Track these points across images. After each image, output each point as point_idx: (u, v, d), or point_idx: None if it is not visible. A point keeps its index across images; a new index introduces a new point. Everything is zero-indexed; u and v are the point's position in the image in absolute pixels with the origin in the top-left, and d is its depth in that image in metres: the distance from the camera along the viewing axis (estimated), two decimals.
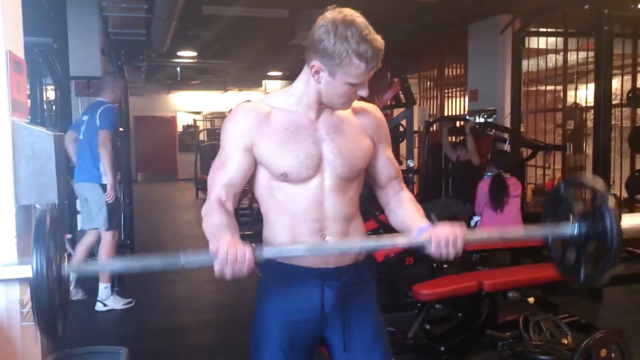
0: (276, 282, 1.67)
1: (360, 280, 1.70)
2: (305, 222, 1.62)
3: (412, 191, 5.77)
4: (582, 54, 7.62)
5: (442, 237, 1.50)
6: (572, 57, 7.52)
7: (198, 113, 17.16)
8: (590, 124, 8.94)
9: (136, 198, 6.20)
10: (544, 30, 6.68)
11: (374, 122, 1.74)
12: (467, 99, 8.47)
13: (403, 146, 6.01)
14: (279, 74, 13.22)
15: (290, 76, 13.26)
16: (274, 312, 1.65)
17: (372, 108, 1.77)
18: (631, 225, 1.60)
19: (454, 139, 6.69)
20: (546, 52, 7.59)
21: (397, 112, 5.77)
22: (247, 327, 1.72)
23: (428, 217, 5.42)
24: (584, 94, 9.69)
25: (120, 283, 4.95)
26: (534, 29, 6.56)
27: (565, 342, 3.35)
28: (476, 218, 5.12)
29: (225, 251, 1.37)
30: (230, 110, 7.60)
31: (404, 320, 3.63)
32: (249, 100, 8.17)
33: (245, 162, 1.63)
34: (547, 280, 3.67)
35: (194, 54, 10.65)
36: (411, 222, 1.66)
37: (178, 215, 10.28)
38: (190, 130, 17.12)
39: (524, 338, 3.37)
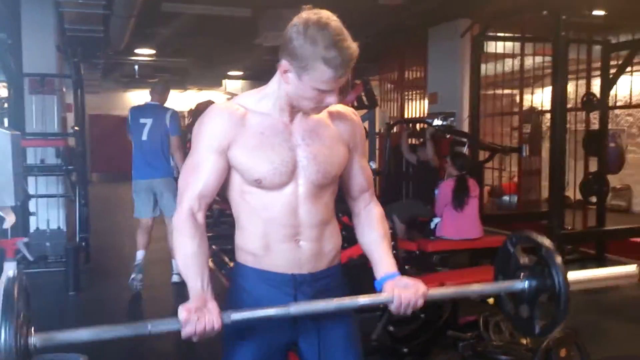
0: (247, 288, 1.63)
1: (334, 286, 1.66)
2: (279, 228, 1.58)
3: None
4: (538, 59, 7.82)
5: (404, 300, 1.52)
6: (528, 61, 7.71)
7: None
8: (545, 127, 9.24)
9: (91, 198, 6.04)
10: (503, 35, 6.80)
11: (351, 128, 1.68)
12: (426, 101, 8.58)
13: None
14: (240, 73, 13.13)
15: (250, 76, 13.19)
16: None
17: (349, 112, 1.71)
18: (576, 278, 1.67)
19: (414, 141, 6.76)
20: (503, 56, 7.76)
21: (358, 113, 5.78)
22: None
23: (390, 219, 5.45)
24: (538, 97, 9.98)
25: (76, 287, 4.82)
26: (492, 34, 6.70)
27: (525, 342, 3.41)
28: (436, 220, 5.18)
29: (194, 323, 1.39)
30: (191, 109, 7.42)
31: (367, 322, 3.62)
32: (210, 101, 8.01)
33: (220, 166, 1.57)
34: None
35: (153, 52, 10.47)
36: (377, 260, 1.66)
37: None
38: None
39: (484, 338, 3.42)
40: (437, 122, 7.76)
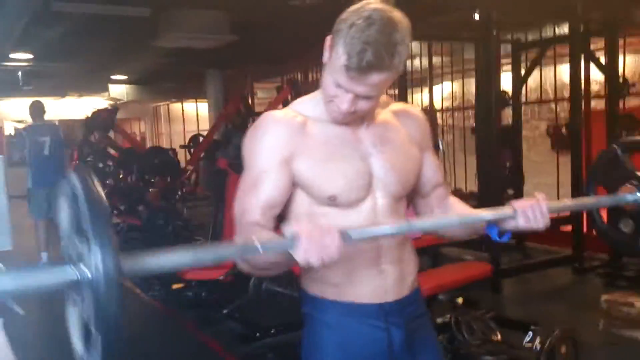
0: (330, 323, 1.40)
1: (420, 313, 1.51)
2: (361, 251, 1.37)
3: None
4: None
5: (528, 207, 1.35)
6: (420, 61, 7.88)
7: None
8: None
9: None
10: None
11: (419, 127, 1.52)
12: None
13: None
14: (125, 77, 12.33)
15: (137, 80, 12.46)
16: None
17: (414, 110, 1.56)
18: None
19: None
20: (411, 57, 7.90)
21: None
22: None
23: None
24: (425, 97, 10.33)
25: None
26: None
27: (496, 339, 3.42)
28: None
29: (309, 232, 1.09)
30: (87, 117, 7.28)
31: None
32: (107, 109, 7.88)
33: (284, 177, 1.34)
34: (474, 279, 3.75)
35: (30, 56, 9.47)
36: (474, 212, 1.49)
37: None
38: (12, 140, 15.28)
39: (456, 339, 3.39)
40: None
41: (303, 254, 1.09)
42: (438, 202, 1.55)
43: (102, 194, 0.94)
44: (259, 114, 6.76)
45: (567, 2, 4.96)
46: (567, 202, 1.44)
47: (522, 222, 1.35)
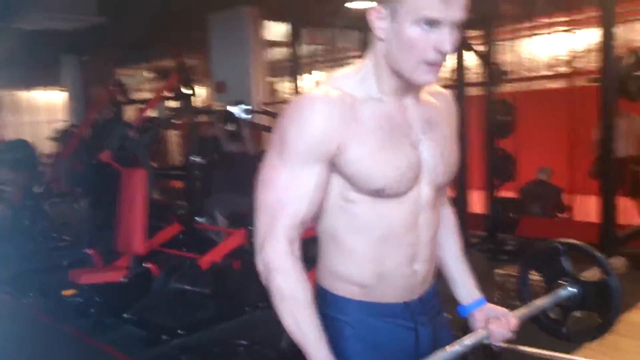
0: (352, 324, 1.28)
1: (439, 309, 1.43)
2: (397, 248, 1.26)
3: (196, 188, 5.40)
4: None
5: (499, 337, 1.38)
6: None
7: None
8: None
9: None
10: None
11: (453, 113, 1.40)
12: (212, 90, 8.27)
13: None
14: None
15: None
16: None
17: (448, 92, 1.40)
18: None
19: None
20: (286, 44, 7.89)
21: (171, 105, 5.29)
22: None
23: (212, 215, 5.12)
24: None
25: None
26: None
27: None
28: None
29: None
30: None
31: (247, 328, 3.56)
32: None
33: (326, 178, 1.20)
34: None
35: None
36: (459, 281, 1.49)
37: None
38: None
39: None
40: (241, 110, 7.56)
41: None
42: (439, 203, 1.45)
43: None
44: (136, 102, 6.34)
45: None
46: (523, 310, 1.50)
47: (493, 341, 1.39)
